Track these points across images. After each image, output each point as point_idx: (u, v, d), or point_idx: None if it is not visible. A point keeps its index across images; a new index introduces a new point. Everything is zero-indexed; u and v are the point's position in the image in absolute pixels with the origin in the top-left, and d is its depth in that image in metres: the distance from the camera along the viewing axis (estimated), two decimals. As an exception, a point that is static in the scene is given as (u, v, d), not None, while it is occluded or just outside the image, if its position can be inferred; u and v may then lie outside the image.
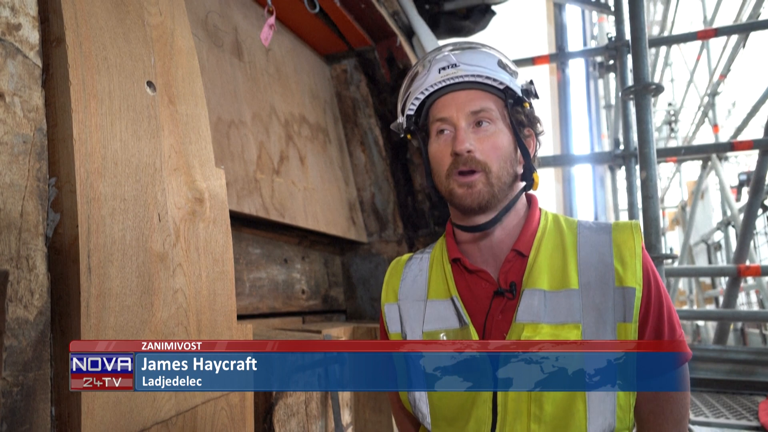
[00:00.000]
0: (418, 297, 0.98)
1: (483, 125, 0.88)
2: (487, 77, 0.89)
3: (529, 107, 0.93)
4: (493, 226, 0.91)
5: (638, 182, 2.59)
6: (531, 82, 0.94)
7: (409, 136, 1.00)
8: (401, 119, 0.98)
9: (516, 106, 0.92)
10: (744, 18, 5.21)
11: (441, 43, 3.01)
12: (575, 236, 0.91)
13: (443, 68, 0.90)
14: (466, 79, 0.89)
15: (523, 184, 0.94)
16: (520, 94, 0.91)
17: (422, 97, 0.92)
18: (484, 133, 0.88)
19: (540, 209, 0.98)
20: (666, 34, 6.95)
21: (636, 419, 0.91)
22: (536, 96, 0.94)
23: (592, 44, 6.60)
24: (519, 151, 0.92)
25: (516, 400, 0.84)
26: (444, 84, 0.90)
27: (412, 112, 0.95)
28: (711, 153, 5.34)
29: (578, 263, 0.88)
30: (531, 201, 0.98)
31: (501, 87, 0.90)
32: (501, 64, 0.92)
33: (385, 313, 1.01)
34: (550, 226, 0.94)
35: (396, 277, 1.03)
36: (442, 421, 0.90)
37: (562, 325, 0.84)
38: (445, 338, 0.92)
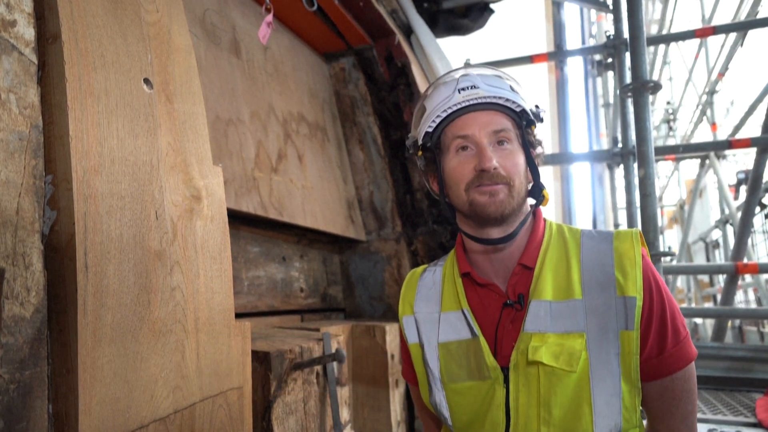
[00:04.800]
0: (433, 309, 1.03)
1: (503, 144, 0.93)
2: (506, 99, 0.93)
3: (535, 129, 0.99)
4: (509, 241, 0.94)
5: (636, 180, 2.58)
6: (537, 107, 0.99)
7: (420, 153, 1.02)
8: (417, 135, 1.01)
9: (527, 128, 0.96)
10: (742, 16, 5.21)
11: (439, 41, 3.01)
12: (578, 246, 0.94)
13: (463, 89, 0.94)
14: (487, 100, 0.93)
15: (532, 201, 0.98)
16: (532, 117, 0.95)
17: (444, 115, 0.95)
18: (505, 152, 0.92)
19: (544, 220, 1.01)
20: (664, 32, 6.95)
21: (647, 416, 0.94)
22: (541, 120, 0.99)
23: (591, 42, 6.59)
24: (529, 169, 0.96)
25: (526, 405, 0.88)
26: (466, 104, 0.93)
27: (431, 129, 0.97)
28: (709, 151, 5.35)
29: (581, 273, 0.91)
30: (535, 213, 1.01)
31: (517, 110, 0.94)
32: (513, 90, 0.96)
33: (403, 325, 1.08)
34: (555, 236, 0.97)
35: (411, 291, 1.09)
36: (461, 423, 0.96)
37: (567, 335, 0.88)
38: (458, 348, 0.97)
